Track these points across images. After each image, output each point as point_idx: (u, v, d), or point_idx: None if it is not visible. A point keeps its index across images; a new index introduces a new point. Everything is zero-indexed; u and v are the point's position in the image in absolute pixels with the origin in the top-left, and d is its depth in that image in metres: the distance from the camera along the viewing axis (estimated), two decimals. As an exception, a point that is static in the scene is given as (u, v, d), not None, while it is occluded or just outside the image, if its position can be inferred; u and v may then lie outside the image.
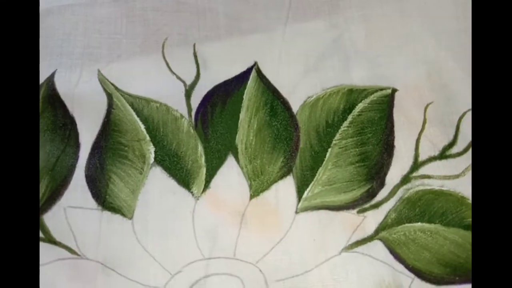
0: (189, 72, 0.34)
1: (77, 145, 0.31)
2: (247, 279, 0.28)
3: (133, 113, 0.32)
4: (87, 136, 0.31)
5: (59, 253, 0.28)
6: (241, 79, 0.34)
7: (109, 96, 0.33)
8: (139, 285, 0.28)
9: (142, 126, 0.32)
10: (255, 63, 0.34)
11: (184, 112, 0.32)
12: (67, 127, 0.32)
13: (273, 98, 0.33)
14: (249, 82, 0.34)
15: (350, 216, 0.30)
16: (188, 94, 0.33)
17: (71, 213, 0.29)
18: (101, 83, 0.33)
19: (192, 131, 0.32)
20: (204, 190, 0.31)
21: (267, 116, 0.33)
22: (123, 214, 0.30)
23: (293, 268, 0.29)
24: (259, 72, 0.34)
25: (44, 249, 0.29)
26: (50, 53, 0.34)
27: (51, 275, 0.28)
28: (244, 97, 0.33)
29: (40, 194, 0.30)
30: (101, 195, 0.30)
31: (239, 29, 0.35)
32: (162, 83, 0.33)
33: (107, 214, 0.29)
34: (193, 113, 0.32)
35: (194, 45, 0.35)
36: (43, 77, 0.33)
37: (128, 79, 0.33)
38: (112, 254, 0.29)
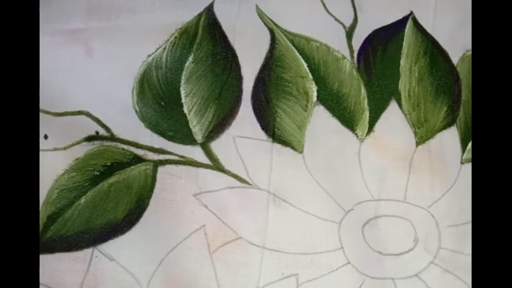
0: (345, 14, 0.33)
1: (239, 77, 0.30)
2: (418, 223, 0.28)
3: (295, 51, 0.31)
4: (249, 69, 0.30)
5: (228, 182, 0.28)
6: (398, 26, 0.33)
7: (271, 31, 0.32)
8: (315, 218, 0.27)
9: (305, 64, 0.31)
10: (411, 12, 0.33)
11: (346, 53, 0.32)
12: (228, 58, 0.31)
13: (432, 48, 0.32)
14: (406, 30, 0.33)
15: (515, 170, 0.30)
16: (349, 36, 0.32)
17: (241, 143, 0.29)
18: (260, 18, 0.32)
19: (354, 73, 0.31)
20: (368, 133, 0.30)
21: (428, 65, 0.32)
22: (293, 148, 0.29)
23: (464, 215, 0.28)
24: (415, 22, 0.33)
25: (212, 176, 0.28)
26: (207, -17, 0.33)
27: (221, 202, 0.28)
28: (403, 44, 0.33)
29: (207, 122, 0.29)
30: (270, 127, 0.29)
31: (394, -24, 0.35)
32: (320, 24, 0.32)
33: (277, 146, 0.29)
34: (355, 55, 0.32)
35: (350, -12, 0.34)
36: (200, 5, 0.32)
37: (285, 16, 0.32)
38: (284, 185, 0.28)
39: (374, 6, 0.33)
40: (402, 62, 0.32)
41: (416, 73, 0.32)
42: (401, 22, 0.33)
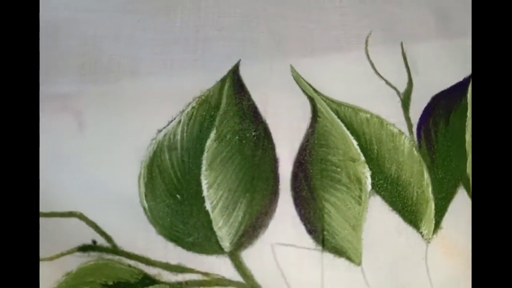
0: (397, 77, 0.27)
1: (274, 161, 0.25)
2: None
3: (342, 125, 0.26)
4: (285, 150, 0.24)
5: (267, 307, 0.22)
6: (459, 91, 0.28)
7: (312, 101, 0.26)
8: None
9: (355, 143, 0.26)
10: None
11: (403, 127, 0.26)
12: (260, 136, 0.25)
13: (501, 118, 0.28)
14: (469, 95, 0.28)
15: None
16: (405, 105, 0.27)
17: (282, 253, 0.22)
18: (297, 83, 0.27)
19: (415, 152, 0.26)
20: (435, 230, 0.25)
21: (498, 140, 0.27)
22: (349, 258, 0.23)
23: None
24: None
25: (245, 298, 0.22)
26: (229, 37, 0.27)
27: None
28: (467, 114, 0.27)
29: (236, 223, 0.23)
30: (318, 230, 0.23)
31: (448, 29, 0.29)
32: (369, 89, 0.27)
33: (329, 257, 0.23)
34: (414, 130, 0.26)
35: (401, 44, 0.28)
36: (223, 67, 0.26)
37: (325, 80, 0.27)
38: (340, 312, 0.22)
39: (430, 65, 0.28)
40: (467, 137, 0.27)
41: (486, 151, 0.27)
42: (462, 85, 0.28)
